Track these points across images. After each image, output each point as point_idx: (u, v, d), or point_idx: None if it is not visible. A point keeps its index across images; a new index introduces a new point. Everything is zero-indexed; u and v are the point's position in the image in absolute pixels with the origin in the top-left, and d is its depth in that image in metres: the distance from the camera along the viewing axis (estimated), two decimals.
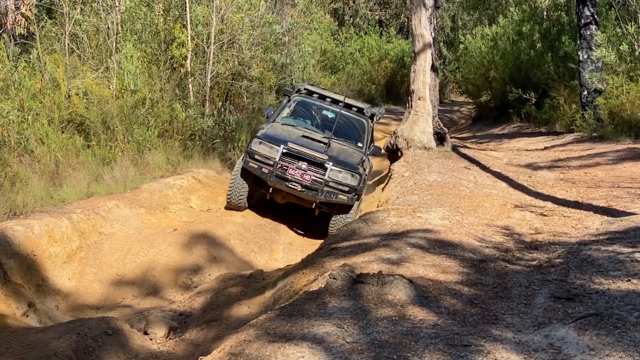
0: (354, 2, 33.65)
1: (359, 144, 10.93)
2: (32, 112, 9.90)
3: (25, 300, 6.87)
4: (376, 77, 29.26)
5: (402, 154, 12.31)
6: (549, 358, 3.49)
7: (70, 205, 8.69)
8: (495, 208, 7.81)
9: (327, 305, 4.25)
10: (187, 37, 12.99)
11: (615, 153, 11.41)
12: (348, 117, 11.18)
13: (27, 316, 6.76)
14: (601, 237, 6.04)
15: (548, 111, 16.70)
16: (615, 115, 13.21)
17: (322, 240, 7.89)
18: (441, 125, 13.77)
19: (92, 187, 9.63)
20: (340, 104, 10.99)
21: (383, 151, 13.22)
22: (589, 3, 14.43)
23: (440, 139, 13.20)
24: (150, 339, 6.28)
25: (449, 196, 8.33)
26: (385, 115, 18.31)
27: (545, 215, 7.41)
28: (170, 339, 6.35)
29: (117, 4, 13.32)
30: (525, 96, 17.42)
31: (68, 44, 11.60)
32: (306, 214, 10.73)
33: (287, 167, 9.84)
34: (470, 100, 26.71)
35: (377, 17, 34.49)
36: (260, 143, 9.99)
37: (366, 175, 10.52)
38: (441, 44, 33.50)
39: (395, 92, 29.66)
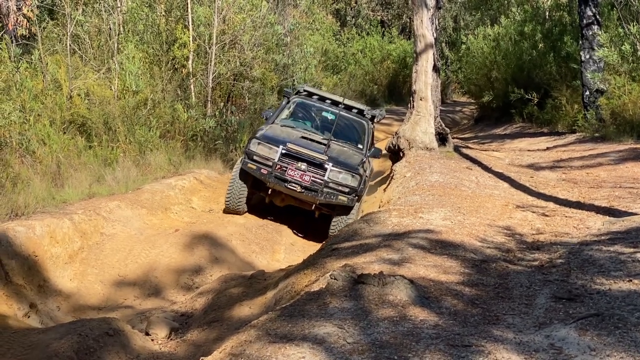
0: (356, 3, 33.68)
1: (359, 146, 10.82)
2: (34, 113, 9.90)
3: (26, 301, 6.87)
4: (378, 77, 29.28)
5: (404, 154, 12.31)
6: (550, 358, 3.49)
7: (71, 206, 8.69)
8: (497, 208, 7.79)
9: (328, 306, 4.24)
10: (189, 37, 13.00)
11: (617, 153, 11.39)
12: (348, 118, 11.11)
13: (29, 317, 6.76)
14: (603, 238, 6.02)
15: (550, 111, 16.69)
16: (618, 116, 13.19)
17: (324, 242, 7.89)
18: (443, 125, 13.77)
19: (93, 187, 9.63)
20: (340, 105, 10.92)
21: (385, 152, 13.22)
22: (591, 3, 14.41)
23: (442, 139, 13.20)
24: (152, 340, 6.28)
25: (451, 196, 8.32)
26: (387, 116, 18.38)
27: (547, 216, 7.40)
28: (171, 339, 6.35)
29: (119, 5, 13.34)
30: (527, 96, 17.40)
31: (70, 45, 11.61)
32: (306, 216, 10.67)
33: (286, 168, 9.72)
34: (472, 101, 26.72)
35: (379, 18, 34.52)
36: (258, 144, 9.87)
37: (367, 176, 10.40)
38: (443, 44, 33.54)
39: (397, 92, 29.69)
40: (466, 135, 20.16)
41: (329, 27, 27.47)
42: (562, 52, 17.41)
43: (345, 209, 9.98)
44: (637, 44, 12.94)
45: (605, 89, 13.93)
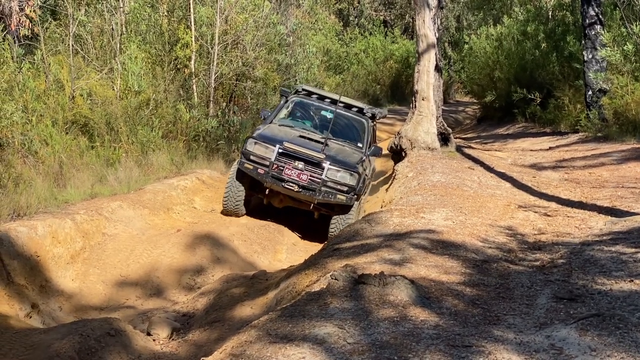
0: (358, 3, 33.68)
1: (359, 145, 10.68)
2: (36, 113, 9.91)
3: (28, 301, 6.87)
4: (381, 77, 29.26)
5: (406, 154, 12.30)
6: (550, 359, 3.48)
7: (73, 206, 8.70)
8: (498, 208, 7.79)
9: (328, 306, 4.24)
10: (191, 37, 13.01)
11: (619, 153, 11.37)
12: (348, 117, 11.03)
13: (31, 317, 6.77)
14: (604, 238, 6.02)
15: (553, 111, 16.67)
16: (620, 115, 13.17)
17: (325, 242, 7.89)
18: (445, 125, 13.76)
19: (95, 188, 9.64)
20: (340, 104, 10.80)
21: (387, 152, 13.21)
22: (593, 3, 14.39)
23: (444, 139, 13.19)
24: (153, 340, 6.28)
25: (453, 196, 8.32)
26: (390, 116, 18.35)
27: (549, 216, 7.39)
28: (173, 339, 6.36)
29: (121, 5, 13.35)
30: (530, 96, 17.37)
31: (72, 45, 11.62)
32: (307, 218, 10.61)
33: (284, 167, 9.59)
34: (475, 101, 26.67)
35: (381, 18, 34.54)
36: (255, 143, 9.74)
37: (366, 175, 10.28)
38: (446, 44, 33.53)
39: (400, 92, 29.67)
40: (469, 135, 20.14)
41: (332, 27, 27.46)
42: (564, 51, 17.40)
43: (344, 208, 9.84)
44: None
45: (607, 88, 13.91)
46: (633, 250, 5.37)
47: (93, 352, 5.44)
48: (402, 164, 11.60)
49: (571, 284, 4.70)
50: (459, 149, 13.60)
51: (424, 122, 12.60)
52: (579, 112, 15.20)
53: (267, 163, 9.61)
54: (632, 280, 4.60)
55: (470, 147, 14.77)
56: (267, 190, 9.94)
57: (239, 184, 9.95)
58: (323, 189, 9.62)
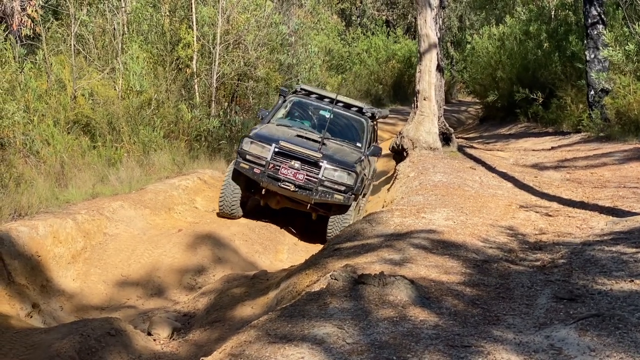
0: (361, 3, 33.68)
1: (358, 144, 10.56)
2: (38, 113, 9.93)
3: (29, 301, 6.88)
4: (383, 77, 29.24)
5: (407, 154, 12.30)
6: (549, 359, 3.48)
7: (75, 206, 8.71)
8: (500, 208, 7.78)
9: (328, 306, 4.24)
10: (193, 37, 13.01)
11: (622, 153, 11.35)
12: (347, 117, 10.93)
13: (31, 317, 6.78)
14: (605, 238, 6.01)
15: (555, 111, 16.65)
16: (622, 115, 13.15)
17: (325, 242, 7.88)
18: (447, 125, 13.76)
19: (97, 188, 9.65)
20: (340, 104, 10.71)
21: (389, 151, 13.21)
22: (596, 3, 14.37)
23: (446, 139, 13.18)
24: (154, 340, 6.28)
25: (454, 196, 8.31)
26: (392, 116, 18.34)
27: (550, 216, 7.38)
28: (173, 339, 6.36)
29: (123, 5, 13.36)
30: (532, 96, 17.36)
31: (74, 45, 11.64)
32: (305, 219, 10.54)
33: (280, 166, 9.47)
34: (477, 100, 26.64)
35: (384, 18, 34.53)
36: (251, 142, 9.61)
37: (365, 175, 10.13)
38: (448, 44, 33.52)
39: (402, 92, 29.64)
40: (471, 135, 20.13)
41: (334, 26, 27.48)
42: (567, 51, 17.37)
43: (342, 208, 9.71)
44: None
45: (610, 88, 13.89)
46: (634, 250, 5.36)
47: (93, 351, 5.45)
48: (403, 164, 11.59)
49: (571, 284, 4.69)
50: (460, 148, 13.59)
51: (425, 122, 12.59)
52: (581, 112, 15.19)
53: (263, 162, 9.49)
54: (633, 281, 4.59)
55: (472, 147, 14.76)
56: (264, 190, 9.87)
57: (235, 184, 9.82)
58: (320, 188, 9.49)
